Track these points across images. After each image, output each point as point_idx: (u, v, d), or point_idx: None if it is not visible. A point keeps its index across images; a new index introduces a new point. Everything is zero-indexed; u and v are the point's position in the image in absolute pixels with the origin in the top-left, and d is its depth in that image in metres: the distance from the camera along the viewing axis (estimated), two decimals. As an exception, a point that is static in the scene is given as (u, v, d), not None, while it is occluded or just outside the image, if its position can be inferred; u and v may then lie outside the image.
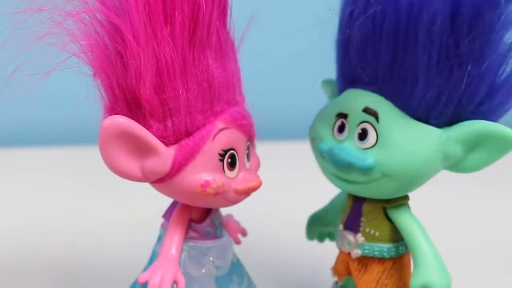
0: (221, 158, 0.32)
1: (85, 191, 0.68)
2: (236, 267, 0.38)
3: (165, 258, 0.33)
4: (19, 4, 0.28)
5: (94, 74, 0.31)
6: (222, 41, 0.32)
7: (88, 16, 0.30)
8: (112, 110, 0.31)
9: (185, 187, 0.32)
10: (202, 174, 0.31)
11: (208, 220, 0.35)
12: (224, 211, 0.38)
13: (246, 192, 0.33)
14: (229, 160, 0.32)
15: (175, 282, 0.32)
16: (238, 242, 0.41)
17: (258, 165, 0.36)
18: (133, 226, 0.57)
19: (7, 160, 0.77)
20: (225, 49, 0.33)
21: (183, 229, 0.34)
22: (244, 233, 0.41)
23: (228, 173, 0.32)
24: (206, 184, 0.31)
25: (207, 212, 0.35)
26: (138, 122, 0.30)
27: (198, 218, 0.35)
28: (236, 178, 0.33)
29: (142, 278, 0.32)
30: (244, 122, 0.33)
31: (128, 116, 0.30)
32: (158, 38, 0.29)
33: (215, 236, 0.36)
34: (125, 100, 0.31)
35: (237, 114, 0.33)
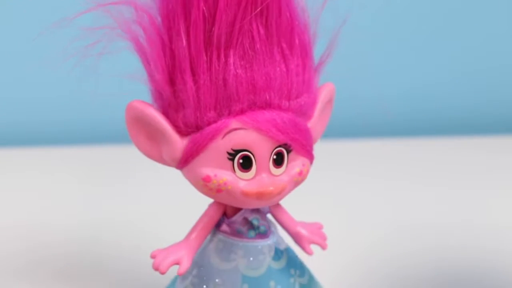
0: (230, 157, 0.31)
1: (85, 191, 0.67)
2: (274, 273, 0.36)
3: (183, 242, 0.35)
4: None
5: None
6: (256, 42, 0.31)
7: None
8: (151, 95, 0.34)
9: (192, 178, 0.33)
10: (206, 168, 0.32)
11: (240, 218, 0.35)
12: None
13: (256, 197, 0.32)
14: (241, 161, 0.32)
15: (177, 264, 0.33)
16: (310, 253, 0.39)
17: (300, 175, 0.33)
18: (134, 226, 0.56)
19: (7, 160, 0.76)
20: (260, 50, 0.31)
21: (211, 220, 0.35)
22: (322, 246, 0.39)
23: (240, 173, 0.32)
24: (207, 178, 0.32)
25: (239, 210, 0.35)
26: (163, 108, 0.32)
27: (232, 214, 0.35)
28: (249, 180, 0.32)
29: (153, 253, 0.34)
30: (272, 127, 0.31)
31: (158, 103, 0.33)
32: (172, 30, 0.31)
33: (246, 236, 0.35)
34: None
35: (261, 117, 0.31)
